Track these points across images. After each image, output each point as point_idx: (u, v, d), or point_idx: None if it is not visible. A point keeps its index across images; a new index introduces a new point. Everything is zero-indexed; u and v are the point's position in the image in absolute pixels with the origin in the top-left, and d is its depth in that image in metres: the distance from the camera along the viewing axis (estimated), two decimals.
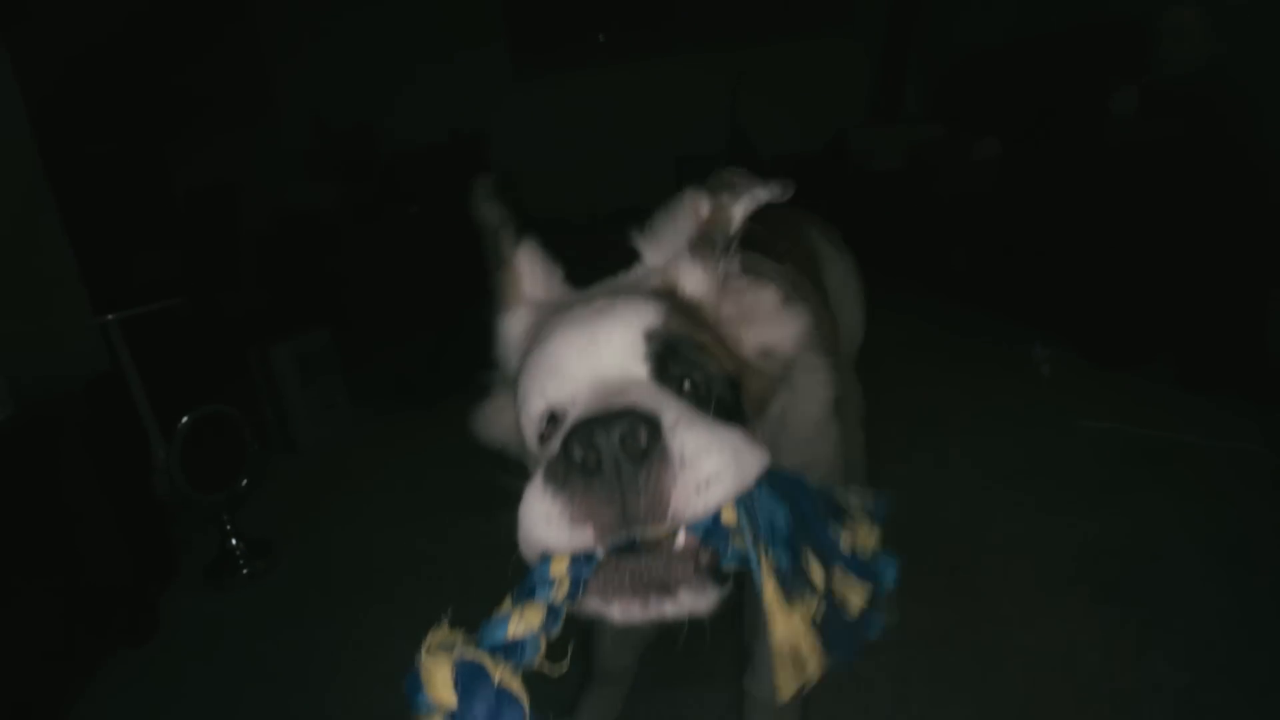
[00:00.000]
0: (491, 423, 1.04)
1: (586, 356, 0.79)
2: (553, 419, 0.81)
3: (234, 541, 2.35)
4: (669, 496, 0.65)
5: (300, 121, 4.55)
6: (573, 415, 0.74)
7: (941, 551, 2.00)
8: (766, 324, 0.94)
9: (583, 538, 0.66)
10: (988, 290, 3.66)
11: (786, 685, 0.70)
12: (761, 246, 1.34)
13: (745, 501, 0.69)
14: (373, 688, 1.78)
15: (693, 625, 0.72)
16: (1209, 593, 1.72)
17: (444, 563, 2.23)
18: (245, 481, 2.41)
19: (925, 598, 1.82)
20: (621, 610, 0.71)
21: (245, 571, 2.32)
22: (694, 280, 0.93)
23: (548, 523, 0.67)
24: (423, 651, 0.64)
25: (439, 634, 0.66)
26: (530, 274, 1.03)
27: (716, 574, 0.72)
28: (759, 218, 1.32)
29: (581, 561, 0.69)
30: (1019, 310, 3.43)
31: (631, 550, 0.70)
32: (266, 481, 2.84)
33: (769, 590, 0.68)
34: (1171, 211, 2.65)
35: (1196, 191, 2.57)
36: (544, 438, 0.83)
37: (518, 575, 0.74)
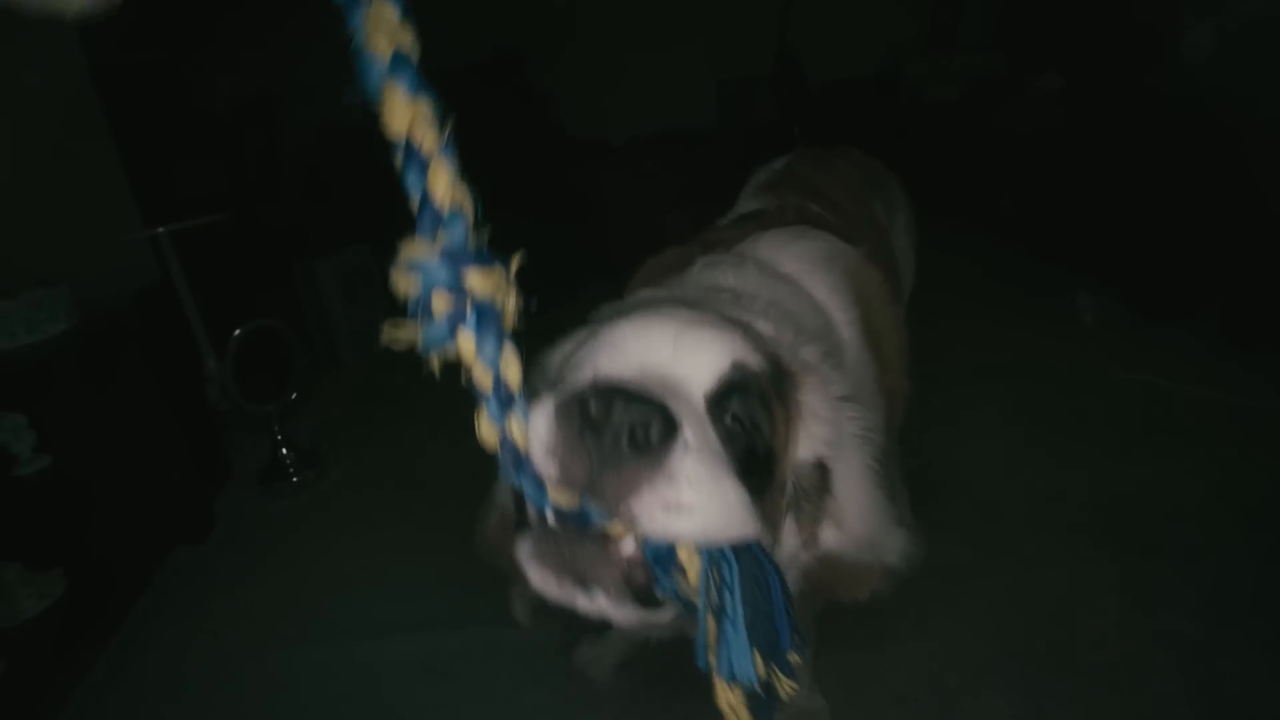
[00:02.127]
0: None
1: (658, 345, 0.77)
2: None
3: (284, 451, 2.46)
4: (635, 496, 0.64)
5: (341, 34, 4.46)
6: (614, 370, 0.73)
7: (968, 491, 2.05)
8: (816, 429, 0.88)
9: (549, 471, 0.65)
10: (1037, 233, 3.56)
11: None
12: (836, 229, 1.34)
13: (715, 556, 0.67)
14: (414, 589, 1.91)
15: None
16: (1227, 549, 1.75)
17: (482, 474, 2.32)
18: (295, 395, 2.51)
19: (949, 535, 1.87)
20: (539, 578, 0.70)
21: (295, 479, 2.44)
22: (811, 395, 0.87)
23: (534, 435, 0.66)
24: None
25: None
26: None
27: (646, 597, 0.70)
28: (828, 188, 1.30)
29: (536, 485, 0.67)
30: (1066, 256, 3.35)
31: (581, 528, 0.67)
32: (313, 395, 2.95)
33: (710, 657, 0.67)
34: (1232, 164, 2.54)
35: (1260, 148, 2.45)
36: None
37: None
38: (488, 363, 0.62)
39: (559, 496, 0.66)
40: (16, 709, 1.57)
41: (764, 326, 0.93)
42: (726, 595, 0.66)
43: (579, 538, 0.68)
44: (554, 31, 5.03)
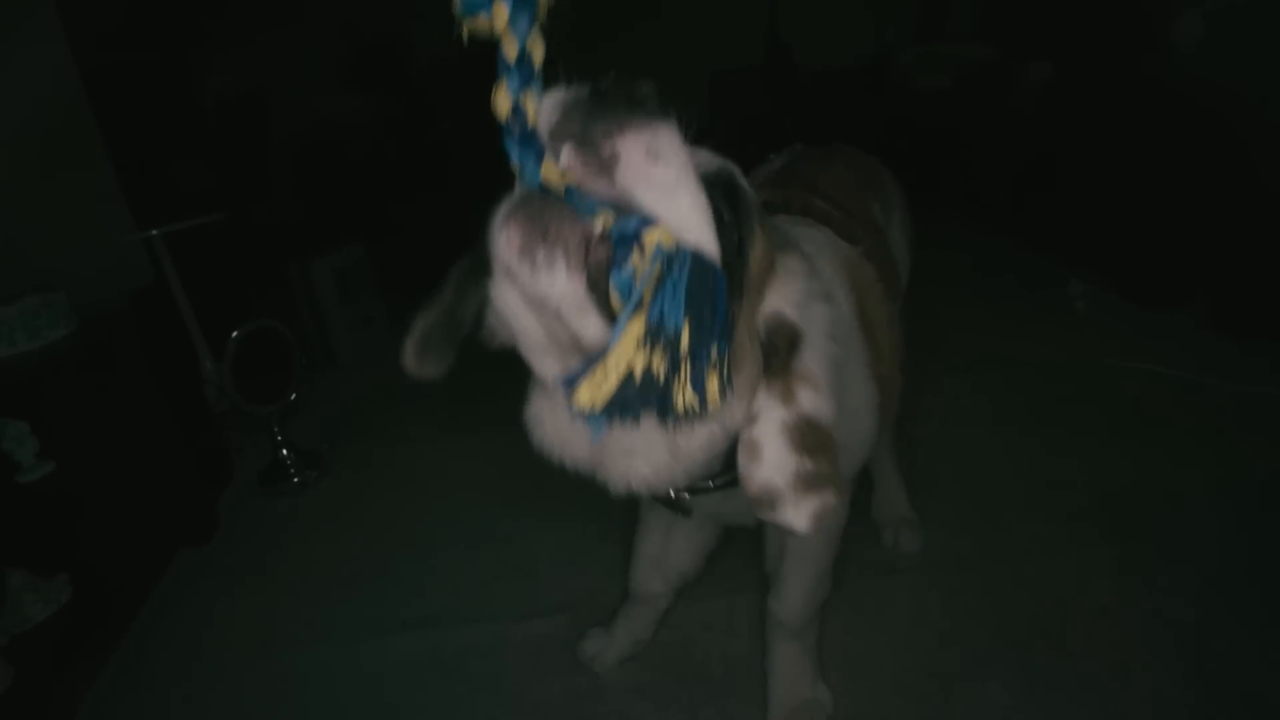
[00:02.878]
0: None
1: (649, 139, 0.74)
2: None
3: (285, 451, 2.47)
4: (622, 137, 0.67)
5: (329, 28, 4.45)
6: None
7: (963, 482, 2.07)
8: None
9: (551, 117, 0.70)
10: (1029, 221, 3.59)
11: (586, 392, 0.69)
12: (837, 227, 1.35)
13: (670, 253, 0.69)
14: (419, 587, 1.93)
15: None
16: (1221, 533, 1.78)
17: (481, 473, 2.35)
18: (294, 395, 2.51)
19: (946, 526, 1.90)
20: (505, 237, 0.71)
21: (297, 480, 2.44)
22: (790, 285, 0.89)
23: (546, 103, 0.70)
24: None
25: None
26: None
27: (600, 283, 0.71)
28: (829, 184, 1.30)
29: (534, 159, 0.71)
30: (1058, 243, 3.38)
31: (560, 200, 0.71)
32: (312, 395, 2.95)
33: (630, 328, 0.68)
34: (1223, 152, 2.57)
35: (1252, 134, 2.48)
36: None
37: None
38: (517, 35, 0.69)
39: (550, 175, 0.70)
40: (28, 715, 1.58)
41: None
42: (669, 287, 0.68)
43: (556, 204, 0.70)
44: (546, 25, 5.01)
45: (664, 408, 0.71)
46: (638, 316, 0.68)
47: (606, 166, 0.68)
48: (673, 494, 1.02)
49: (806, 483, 0.83)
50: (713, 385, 0.72)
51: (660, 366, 0.69)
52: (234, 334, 2.38)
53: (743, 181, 0.82)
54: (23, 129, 2.47)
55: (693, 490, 0.99)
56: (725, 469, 0.93)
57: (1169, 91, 2.76)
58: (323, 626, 1.86)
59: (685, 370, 0.70)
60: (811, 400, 0.86)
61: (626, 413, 0.70)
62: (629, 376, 0.68)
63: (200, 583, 2.10)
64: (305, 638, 1.83)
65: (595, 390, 0.69)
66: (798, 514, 0.83)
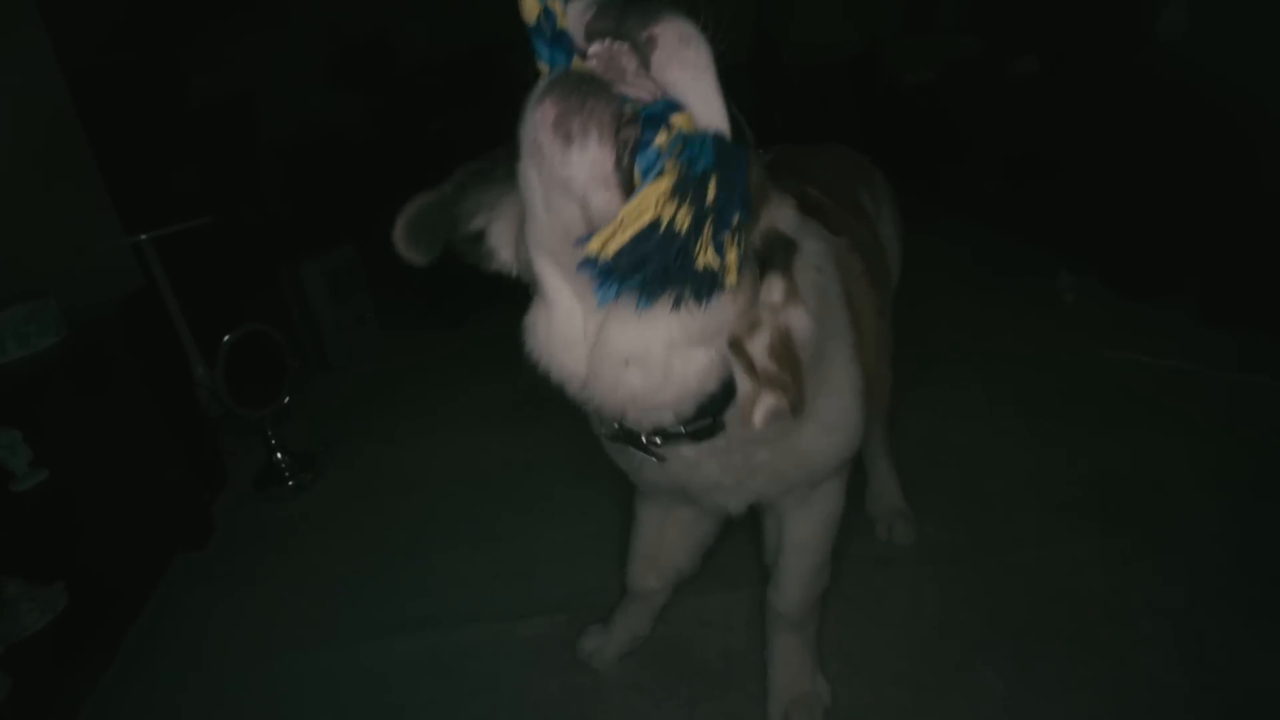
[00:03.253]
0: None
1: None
2: None
3: (279, 455, 2.47)
4: (657, 25, 0.71)
5: (316, 28, 4.43)
6: None
7: (956, 474, 2.09)
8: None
9: (575, 14, 0.74)
10: (1017, 214, 3.62)
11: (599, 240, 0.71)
12: (826, 217, 1.36)
13: (692, 138, 0.71)
14: (416, 589, 1.94)
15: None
16: (1212, 522, 1.81)
17: (474, 476, 2.35)
18: (287, 399, 2.51)
19: (939, 517, 1.92)
20: (541, 111, 0.73)
21: (292, 483, 2.44)
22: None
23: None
24: None
25: None
26: None
27: (627, 162, 0.72)
28: (821, 174, 1.32)
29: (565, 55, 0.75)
30: (1047, 236, 3.40)
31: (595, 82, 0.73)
32: (305, 398, 2.95)
33: (653, 185, 0.70)
34: (1210, 142, 2.59)
35: (1241, 125, 2.50)
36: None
37: None
38: None
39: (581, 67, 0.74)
40: None
41: None
42: (697, 145, 0.71)
43: (591, 81, 0.73)
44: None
45: (683, 268, 0.73)
46: (661, 179, 0.69)
47: (644, 51, 0.71)
48: (645, 439, 1.01)
49: (769, 380, 0.85)
50: (732, 255, 0.75)
51: (684, 220, 0.70)
52: (225, 338, 2.38)
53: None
54: (7, 134, 2.45)
55: (665, 436, 1.00)
56: (698, 416, 0.93)
57: (1156, 83, 2.79)
58: (322, 629, 1.86)
59: (709, 227, 0.72)
60: (795, 314, 0.88)
61: (641, 271, 0.72)
62: (650, 228, 0.70)
63: (198, 588, 2.09)
64: (305, 640, 1.83)
65: (609, 238, 0.70)
66: (757, 410, 0.85)
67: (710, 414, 0.93)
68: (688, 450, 1.04)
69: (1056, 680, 1.46)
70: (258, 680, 1.73)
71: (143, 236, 2.62)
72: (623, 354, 0.83)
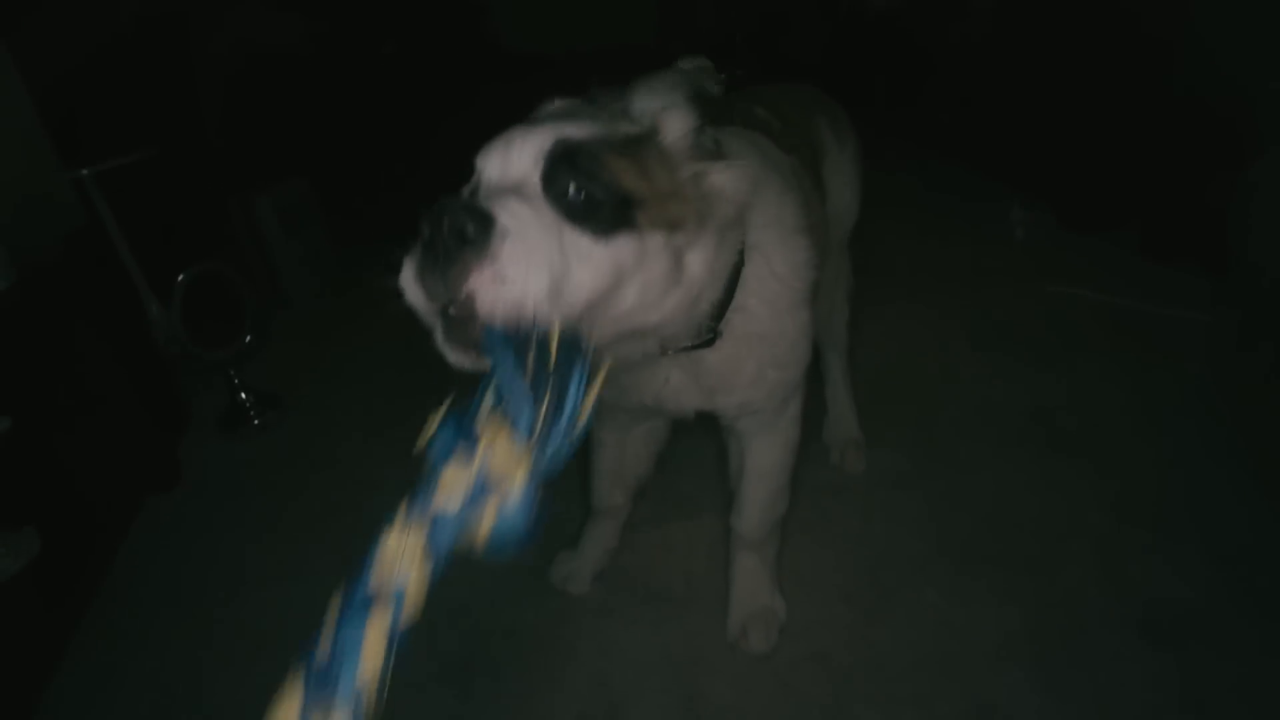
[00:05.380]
0: None
1: (510, 150, 0.91)
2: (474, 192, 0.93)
3: (243, 395, 2.46)
4: (471, 277, 0.78)
5: None
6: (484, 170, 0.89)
7: (905, 404, 2.20)
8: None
9: (417, 294, 0.83)
10: (974, 147, 3.65)
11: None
12: (777, 138, 1.39)
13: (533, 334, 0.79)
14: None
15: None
16: (1139, 451, 1.94)
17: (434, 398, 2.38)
18: (249, 338, 2.48)
19: (888, 445, 2.03)
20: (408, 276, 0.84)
21: (257, 423, 2.45)
22: (674, 127, 0.98)
23: (407, 276, 0.84)
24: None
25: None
26: None
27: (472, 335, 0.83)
28: (776, 103, 1.37)
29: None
30: (1002, 169, 3.46)
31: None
32: (264, 334, 2.92)
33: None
34: (1159, 80, 2.64)
35: (1190, 64, 2.55)
36: None
37: None
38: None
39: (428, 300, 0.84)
40: (8, 669, 1.62)
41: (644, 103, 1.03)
42: (531, 354, 0.78)
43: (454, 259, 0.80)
44: None
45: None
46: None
47: (470, 309, 0.79)
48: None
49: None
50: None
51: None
52: (180, 278, 2.33)
53: (580, 132, 0.91)
54: None
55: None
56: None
57: (1112, 17, 2.81)
58: (297, 566, 1.91)
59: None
60: (724, 178, 0.99)
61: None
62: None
63: (171, 530, 2.12)
64: (280, 577, 1.88)
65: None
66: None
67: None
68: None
69: (989, 596, 1.59)
70: (237, 616, 1.79)
71: (84, 171, 2.51)
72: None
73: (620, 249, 0.89)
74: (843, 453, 1.99)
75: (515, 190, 0.86)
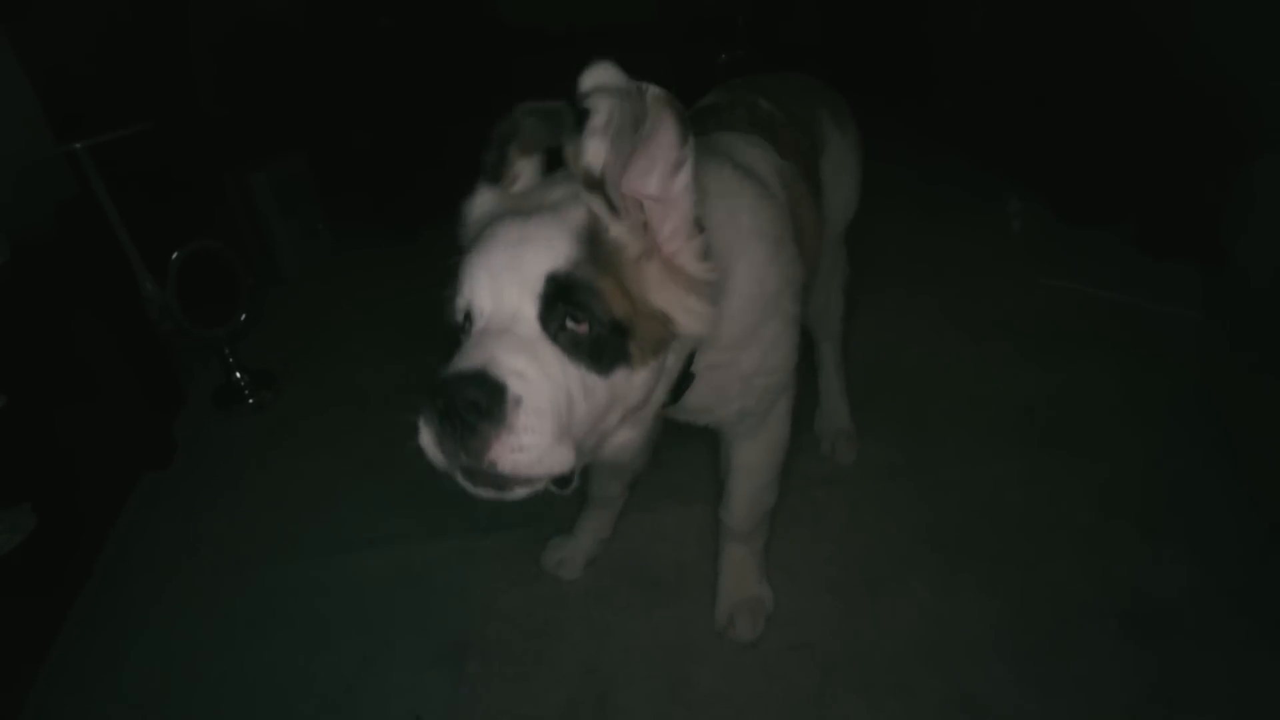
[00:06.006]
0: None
1: (497, 281, 0.92)
2: (467, 316, 0.95)
3: (238, 374, 2.46)
4: (490, 450, 0.84)
5: None
6: (455, 362, 0.89)
7: (897, 396, 2.22)
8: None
9: (438, 456, 0.88)
10: (972, 137, 3.64)
11: None
12: (778, 143, 1.39)
13: None
14: (383, 505, 2.01)
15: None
16: (1126, 445, 1.96)
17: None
18: (244, 316, 2.48)
19: (879, 438, 2.05)
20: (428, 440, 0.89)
21: (252, 401, 2.45)
22: (616, 227, 0.93)
23: (427, 441, 0.88)
24: None
25: None
26: (523, 178, 1.06)
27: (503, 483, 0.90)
28: (780, 96, 1.36)
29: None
30: (1000, 161, 3.45)
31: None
32: (262, 313, 2.91)
33: None
34: (1158, 74, 2.63)
35: (1191, 61, 2.53)
36: (461, 327, 0.97)
37: None
38: None
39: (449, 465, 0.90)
40: (6, 645, 1.63)
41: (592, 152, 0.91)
42: None
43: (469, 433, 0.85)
44: None
45: None
46: None
47: (490, 476, 0.87)
48: None
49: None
50: None
51: None
52: (175, 256, 2.32)
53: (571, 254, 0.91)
54: None
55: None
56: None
57: (1113, 11, 2.79)
58: (293, 544, 1.93)
59: None
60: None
61: None
62: None
63: (167, 507, 2.13)
64: (277, 555, 1.90)
65: None
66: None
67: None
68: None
69: (974, 588, 1.62)
70: (233, 594, 1.81)
71: (77, 145, 2.49)
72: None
73: (617, 380, 0.94)
74: (834, 444, 2.01)
75: (511, 328, 0.89)
